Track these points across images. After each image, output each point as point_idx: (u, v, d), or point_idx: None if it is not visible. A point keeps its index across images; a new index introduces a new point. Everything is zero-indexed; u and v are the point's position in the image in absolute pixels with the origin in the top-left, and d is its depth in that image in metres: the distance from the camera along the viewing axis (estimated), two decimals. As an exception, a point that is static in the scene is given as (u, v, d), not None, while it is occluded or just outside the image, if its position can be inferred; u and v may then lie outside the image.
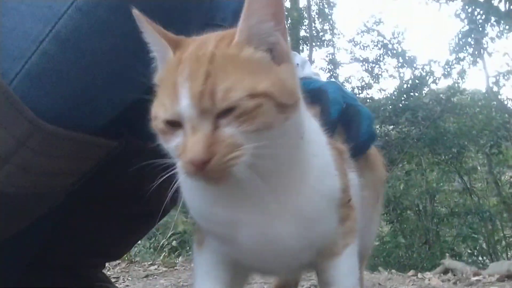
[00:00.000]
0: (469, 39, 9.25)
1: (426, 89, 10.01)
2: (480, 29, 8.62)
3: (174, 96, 0.63)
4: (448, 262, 4.35)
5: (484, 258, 9.58)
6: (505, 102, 9.57)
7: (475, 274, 3.11)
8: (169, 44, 0.70)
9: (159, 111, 0.66)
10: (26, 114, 0.81)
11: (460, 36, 9.39)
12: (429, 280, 2.83)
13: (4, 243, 0.90)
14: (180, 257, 4.87)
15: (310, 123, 0.78)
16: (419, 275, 3.23)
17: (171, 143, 0.66)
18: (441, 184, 9.15)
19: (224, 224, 0.76)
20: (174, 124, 0.65)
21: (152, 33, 0.71)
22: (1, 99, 0.80)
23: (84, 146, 0.88)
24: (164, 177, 0.71)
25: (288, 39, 0.72)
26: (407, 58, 10.28)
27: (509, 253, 10.66)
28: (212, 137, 0.61)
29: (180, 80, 0.63)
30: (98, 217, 1.17)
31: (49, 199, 0.95)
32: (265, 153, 0.63)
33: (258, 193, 0.69)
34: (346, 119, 1.02)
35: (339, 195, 0.80)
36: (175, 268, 3.02)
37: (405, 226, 8.09)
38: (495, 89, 9.57)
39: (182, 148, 0.63)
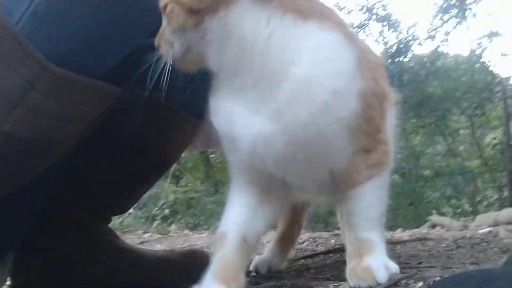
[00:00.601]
0: (453, 1, 9.23)
1: (410, 54, 10.04)
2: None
3: None
4: (435, 218, 4.48)
5: (467, 218, 9.92)
6: (488, 64, 9.69)
7: (463, 227, 3.23)
8: None
9: None
10: (34, 56, 0.80)
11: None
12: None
13: (11, 199, 0.90)
14: (173, 225, 4.93)
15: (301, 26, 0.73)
16: (407, 231, 3.34)
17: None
18: (426, 147, 9.32)
19: (226, 123, 0.79)
20: None
21: None
22: (9, 39, 0.79)
23: (92, 91, 0.88)
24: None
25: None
26: (391, 21, 10.23)
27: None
28: (161, 33, 0.80)
29: None
30: (105, 171, 1.16)
31: (60, 147, 0.94)
32: (201, 53, 0.77)
33: (241, 89, 0.76)
34: None
35: (351, 117, 0.74)
36: (169, 235, 3.07)
37: (391, 188, 8.25)
38: (478, 51, 9.63)
39: None
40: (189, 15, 0.73)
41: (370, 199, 0.83)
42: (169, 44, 0.78)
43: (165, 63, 0.80)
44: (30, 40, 0.80)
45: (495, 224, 2.94)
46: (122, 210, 1.33)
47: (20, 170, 0.90)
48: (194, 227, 5.82)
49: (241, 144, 0.77)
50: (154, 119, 1.09)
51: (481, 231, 3.11)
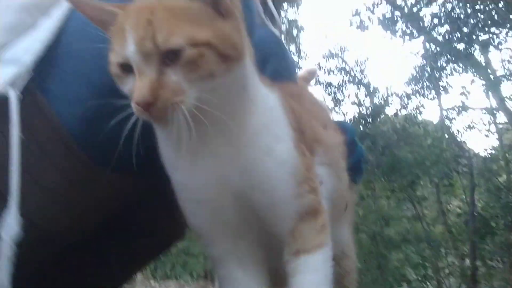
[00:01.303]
0: (426, 74, 9.73)
1: (383, 115, 10.41)
2: (438, 65, 9.10)
3: (122, 42, 0.70)
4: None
5: (429, 284, 10.01)
6: (456, 135, 10.13)
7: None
8: (114, 6, 0.77)
9: (112, 57, 0.74)
10: (79, 156, 0.80)
11: (417, 70, 9.88)
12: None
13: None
14: (139, 274, 4.72)
15: (264, 90, 0.85)
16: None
17: (126, 87, 0.74)
18: (394, 211, 9.48)
19: (186, 170, 0.82)
20: (127, 69, 0.72)
21: (94, 7, 0.77)
22: (56, 139, 0.79)
23: (120, 186, 0.89)
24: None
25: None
26: (370, 88, 10.64)
27: (451, 280, 11.22)
28: (157, 82, 0.68)
29: (127, 28, 0.70)
30: (104, 250, 1.15)
31: (77, 235, 0.96)
32: (207, 100, 0.71)
33: (208, 137, 0.78)
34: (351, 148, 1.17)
35: (294, 164, 0.83)
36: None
37: (360, 249, 8.26)
38: (447, 122, 10.08)
39: (132, 91, 0.71)
40: (222, 61, 0.71)
41: (318, 271, 0.82)
42: (181, 94, 0.69)
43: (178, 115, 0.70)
44: (76, 139, 0.84)
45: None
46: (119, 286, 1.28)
47: (34, 256, 0.90)
48: (160, 277, 5.63)
49: (203, 187, 0.82)
50: (157, 201, 1.10)
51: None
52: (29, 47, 0.87)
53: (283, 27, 12.42)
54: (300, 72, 1.46)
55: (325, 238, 0.85)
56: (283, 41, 1.24)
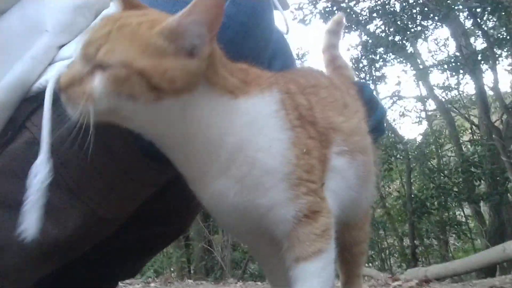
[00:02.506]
0: (362, 65, 10.20)
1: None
2: (374, 57, 9.58)
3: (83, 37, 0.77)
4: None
5: (371, 265, 10.56)
6: (392, 124, 10.76)
7: (394, 280, 3.46)
8: (123, 2, 0.83)
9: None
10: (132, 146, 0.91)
11: (353, 61, 10.33)
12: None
13: None
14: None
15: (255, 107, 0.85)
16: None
17: None
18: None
19: (190, 184, 0.88)
20: None
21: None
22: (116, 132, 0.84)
23: (158, 175, 1.00)
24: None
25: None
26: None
27: (391, 261, 11.90)
28: (80, 77, 0.73)
29: (95, 27, 0.77)
30: (116, 239, 1.12)
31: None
32: (125, 118, 0.76)
33: (188, 157, 0.83)
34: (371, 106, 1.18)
35: (285, 169, 0.82)
36: None
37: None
38: (383, 110, 10.63)
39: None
40: (150, 90, 0.72)
41: (317, 278, 0.82)
42: (90, 99, 0.72)
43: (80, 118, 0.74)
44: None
45: (426, 279, 3.21)
46: (129, 276, 1.30)
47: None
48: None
49: (204, 202, 0.87)
50: (170, 190, 1.10)
51: (410, 284, 3.36)
52: None
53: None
54: (328, 26, 1.39)
55: (325, 242, 0.84)
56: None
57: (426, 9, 7.54)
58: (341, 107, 1.04)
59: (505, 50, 8.14)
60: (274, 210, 0.82)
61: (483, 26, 7.61)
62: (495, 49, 7.97)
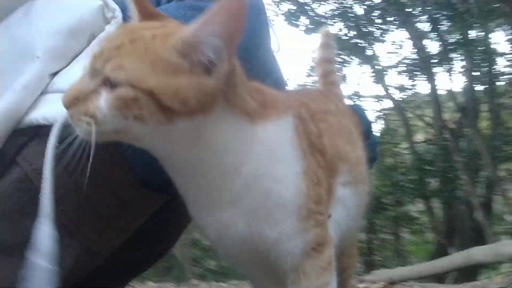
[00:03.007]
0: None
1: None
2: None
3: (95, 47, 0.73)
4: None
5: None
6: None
7: (360, 281, 3.55)
8: (140, 12, 0.78)
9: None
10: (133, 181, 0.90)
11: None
12: None
13: None
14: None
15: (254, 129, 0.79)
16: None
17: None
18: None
19: (191, 210, 0.84)
20: None
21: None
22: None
23: (155, 204, 1.00)
24: None
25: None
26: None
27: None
28: (86, 94, 0.68)
29: (106, 38, 0.73)
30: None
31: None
32: (131, 138, 0.72)
33: (196, 183, 0.78)
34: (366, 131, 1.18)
35: (297, 202, 0.79)
36: None
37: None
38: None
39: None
40: (161, 111, 0.66)
41: None
42: (94, 119, 0.67)
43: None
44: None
45: (390, 282, 3.32)
46: None
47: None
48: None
49: (206, 231, 0.83)
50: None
51: (377, 286, 3.45)
52: None
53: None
54: (318, 41, 1.35)
55: (330, 275, 0.83)
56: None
57: (386, 13, 7.75)
58: (348, 135, 1.03)
59: (458, 53, 8.52)
60: (283, 243, 0.80)
61: (439, 30, 7.94)
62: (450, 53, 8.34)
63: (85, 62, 0.71)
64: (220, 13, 0.65)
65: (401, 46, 9.61)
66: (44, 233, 0.73)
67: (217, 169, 0.76)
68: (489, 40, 8.94)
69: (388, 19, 8.03)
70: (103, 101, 0.66)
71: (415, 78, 9.65)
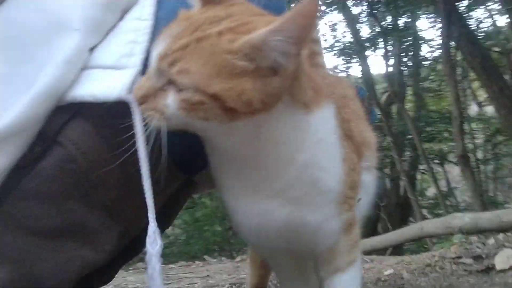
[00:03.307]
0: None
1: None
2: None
3: (159, 42, 0.70)
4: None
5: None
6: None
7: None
8: None
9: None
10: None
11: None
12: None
13: None
14: None
15: (315, 121, 0.79)
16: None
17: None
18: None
19: (229, 199, 0.85)
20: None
21: None
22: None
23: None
24: None
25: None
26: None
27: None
28: (154, 92, 0.69)
29: (169, 32, 0.70)
30: None
31: None
32: (196, 131, 0.74)
33: (245, 173, 0.79)
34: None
35: (339, 190, 0.83)
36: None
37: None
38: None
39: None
40: (225, 112, 0.67)
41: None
42: (163, 116, 0.69)
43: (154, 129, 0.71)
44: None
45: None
46: (106, 282, 1.20)
47: None
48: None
49: (244, 220, 0.85)
50: None
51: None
52: (131, 51, 0.80)
53: None
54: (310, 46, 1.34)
55: (358, 252, 0.90)
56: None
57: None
58: (364, 121, 1.06)
59: (390, 38, 8.97)
60: (321, 227, 0.84)
61: (376, 15, 8.28)
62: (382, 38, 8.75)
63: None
64: (296, 20, 0.63)
65: (334, 29, 9.92)
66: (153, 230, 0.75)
67: (273, 159, 0.77)
68: (416, 27, 9.53)
69: (327, 1, 8.17)
70: (170, 100, 0.67)
71: (348, 60, 10.01)
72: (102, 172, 0.76)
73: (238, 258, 3.56)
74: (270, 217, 0.81)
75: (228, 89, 0.65)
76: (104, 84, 0.75)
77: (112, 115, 0.75)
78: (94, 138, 0.77)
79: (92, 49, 0.81)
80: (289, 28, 0.63)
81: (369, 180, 0.99)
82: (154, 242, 0.74)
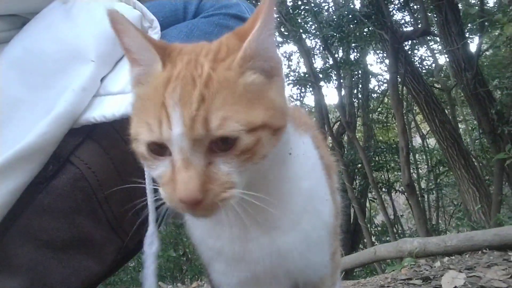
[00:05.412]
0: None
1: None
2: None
3: (163, 119, 0.56)
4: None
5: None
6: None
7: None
8: (159, 53, 0.62)
9: (142, 132, 0.59)
10: None
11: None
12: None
13: None
14: None
15: (299, 140, 0.76)
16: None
17: (155, 171, 0.61)
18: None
19: (232, 243, 0.73)
20: (159, 151, 0.59)
21: (138, 39, 0.63)
22: None
23: None
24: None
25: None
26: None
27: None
28: (205, 174, 0.57)
29: (170, 102, 0.57)
30: None
31: None
32: (255, 182, 0.63)
33: (259, 211, 0.66)
34: None
35: (331, 220, 0.80)
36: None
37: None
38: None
39: (169, 179, 0.58)
40: (275, 137, 0.61)
41: None
42: (233, 185, 0.59)
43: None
44: None
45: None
46: None
47: None
48: None
49: (252, 263, 0.74)
50: None
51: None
52: None
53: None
54: None
55: (338, 273, 0.92)
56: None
57: (282, 29, 8.20)
58: (326, 144, 1.05)
59: (343, 71, 9.40)
60: (318, 257, 0.81)
61: (331, 50, 8.68)
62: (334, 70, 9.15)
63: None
64: (266, 12, 0.60)
65: (290, 59, 10.27)
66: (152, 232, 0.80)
67: (285, 185, 0.72)
68: (366, 62, 10.07)
69: (285, 33, 8.48)
70: (224, 165, 0.57)
71: (302, 90, 10.33)
72: (108, 188, 0.83)
73: (194, 284, 3.53)
74: (285, 257, 0.73)
75: (267, 110, 0.59)
76: (113, 105, 0.83)
77: (119, 138, 0.82)
78: (103, 159, 0.83)
79: (103, 79, 0.89)
80: (266, 20, 0.59)
81: (339, 201, 0.97)
82: (151, 243, 0.79)
